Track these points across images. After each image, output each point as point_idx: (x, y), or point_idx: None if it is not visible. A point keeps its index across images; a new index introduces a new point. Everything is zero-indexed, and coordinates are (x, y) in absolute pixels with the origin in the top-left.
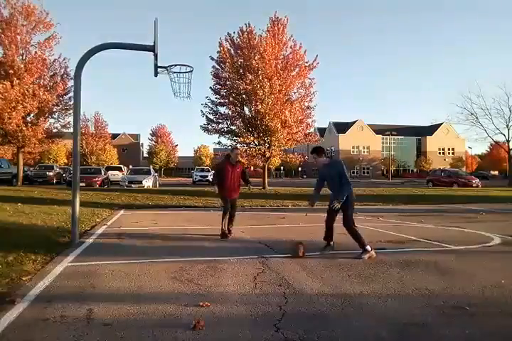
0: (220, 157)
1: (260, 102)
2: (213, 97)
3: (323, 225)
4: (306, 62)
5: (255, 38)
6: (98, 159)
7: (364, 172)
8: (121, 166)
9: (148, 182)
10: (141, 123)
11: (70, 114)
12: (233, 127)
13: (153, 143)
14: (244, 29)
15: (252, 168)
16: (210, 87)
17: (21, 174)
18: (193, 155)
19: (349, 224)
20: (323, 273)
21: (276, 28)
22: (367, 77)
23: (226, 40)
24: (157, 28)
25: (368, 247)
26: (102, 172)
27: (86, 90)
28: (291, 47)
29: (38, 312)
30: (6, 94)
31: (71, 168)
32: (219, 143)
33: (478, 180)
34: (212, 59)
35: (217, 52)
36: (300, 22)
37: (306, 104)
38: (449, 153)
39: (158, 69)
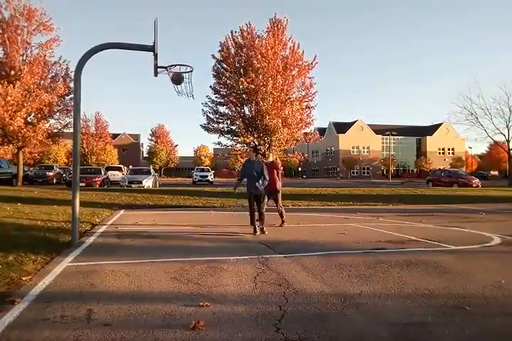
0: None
1: (262, 100)
2: (213, 96)
3: (322, 225)
4: (306, 62)
5: (256, 38)
6: (98, 159)
7: (364, 173)
8: (121, 166)
9: (148, 182)
10: (141, 123)
11: (70, 115)
12: (233, 127)
13: (152, 143)
14: (245, 28)
15: None
16: (211, 86)
17: (21, 174)
18: (193, 155)
19: None
20: (323, 273)
21: (276, 28)
22: (367, 77)
23: (228, 38)
24: (157, 28)
25: None
26: (102, 172)
27: (86, 90)
28: (290, 48)
29: (38, 312)
30: (9, 98)
31: (71, 168)
32: (219, 143)
33: (478, 180)
34: (214, 57)
35: (219, 51)
36: (299, 20)
37: (306, 103)
38: (448, 153)
39: (158, 69)
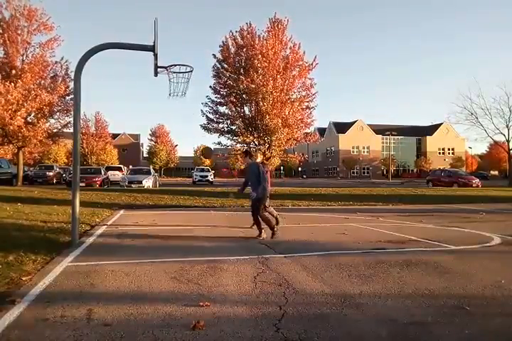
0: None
1: (262, 100)
2: (213, 97)
3: (322, 225)
4: (306, 62)
5: (256, 38)
6: (98, 159)
7: (364, 173)
8: (121, 166)
9: (148, 182)
10: (141, 123)
11: (70, 115)
12: (233, 127)
13: (152, 143)
14: (245, 28)
15: None
16: (210, 86)
17: (21, 174)
18: (193, 155)
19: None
20: (323, 273)
21: (276, 28)
22: (367, 77)
23: (229, 37)
24: (157, 28)
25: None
26: (102, 172)
27: (86, 90)
28: (290, 48)
29: (38, 312)
30: (10, 97)
31: (71, 168)
32: (219, 143)
33: (478, 180)
34: (215, 57)
35: (220, 50)
36: (299, 20)
37: (307, 104)
38: (448, 153)
39: (159, 69)
